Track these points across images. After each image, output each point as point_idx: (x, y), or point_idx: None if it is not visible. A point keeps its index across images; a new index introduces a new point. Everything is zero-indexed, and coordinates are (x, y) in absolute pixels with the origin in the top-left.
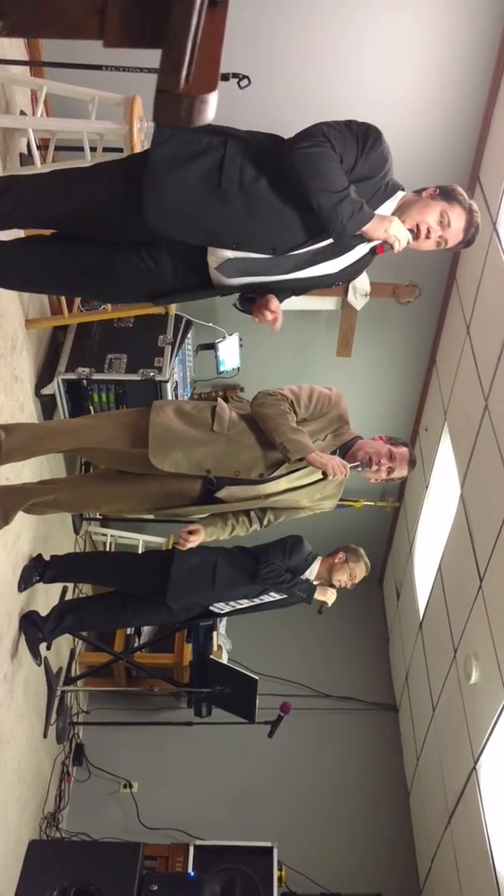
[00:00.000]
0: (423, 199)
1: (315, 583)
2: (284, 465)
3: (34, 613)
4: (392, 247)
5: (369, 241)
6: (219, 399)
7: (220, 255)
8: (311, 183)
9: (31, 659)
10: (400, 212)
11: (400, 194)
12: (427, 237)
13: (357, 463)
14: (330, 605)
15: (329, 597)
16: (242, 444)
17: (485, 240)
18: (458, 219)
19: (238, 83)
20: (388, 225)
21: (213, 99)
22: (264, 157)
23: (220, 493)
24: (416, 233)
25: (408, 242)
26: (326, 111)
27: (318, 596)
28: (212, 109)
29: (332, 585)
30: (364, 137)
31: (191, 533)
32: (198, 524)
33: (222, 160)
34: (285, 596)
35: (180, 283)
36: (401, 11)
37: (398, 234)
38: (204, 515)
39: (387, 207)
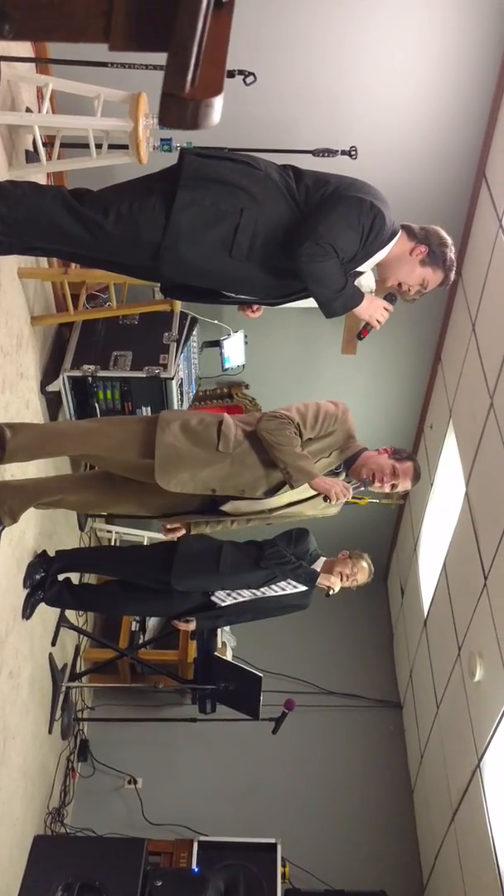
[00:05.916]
0: (411, 260)
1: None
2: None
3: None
4: (374, 327)
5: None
6: (225, 415)
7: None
8: (314, 286)
9: (21, 614)
10: (389, 263)
11: (396, 238)
12: (407, 292)
13: (359, 483)
14: (336, 589)
15: (333, 581)
16: (247, 464)
17: (490, 237)
18: (434, 281)
19: (244, 80)
20: (374, 310)
21: (218, 102)
22: (273, 225)
23: (226, 507)
24: (397, 288)
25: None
26: (331, 108)
27: (321, 581)
28: (217, 113)
29: None
30: (369, 230)
31: (171, 531)
32: (180, 525)
33: (236, 230)
34: (286, 591)
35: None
36: (406, 6)
37: (381, 318)
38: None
39: (382, 253)
